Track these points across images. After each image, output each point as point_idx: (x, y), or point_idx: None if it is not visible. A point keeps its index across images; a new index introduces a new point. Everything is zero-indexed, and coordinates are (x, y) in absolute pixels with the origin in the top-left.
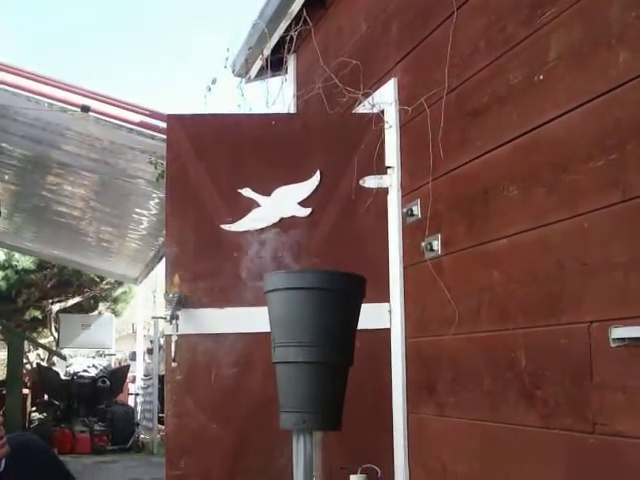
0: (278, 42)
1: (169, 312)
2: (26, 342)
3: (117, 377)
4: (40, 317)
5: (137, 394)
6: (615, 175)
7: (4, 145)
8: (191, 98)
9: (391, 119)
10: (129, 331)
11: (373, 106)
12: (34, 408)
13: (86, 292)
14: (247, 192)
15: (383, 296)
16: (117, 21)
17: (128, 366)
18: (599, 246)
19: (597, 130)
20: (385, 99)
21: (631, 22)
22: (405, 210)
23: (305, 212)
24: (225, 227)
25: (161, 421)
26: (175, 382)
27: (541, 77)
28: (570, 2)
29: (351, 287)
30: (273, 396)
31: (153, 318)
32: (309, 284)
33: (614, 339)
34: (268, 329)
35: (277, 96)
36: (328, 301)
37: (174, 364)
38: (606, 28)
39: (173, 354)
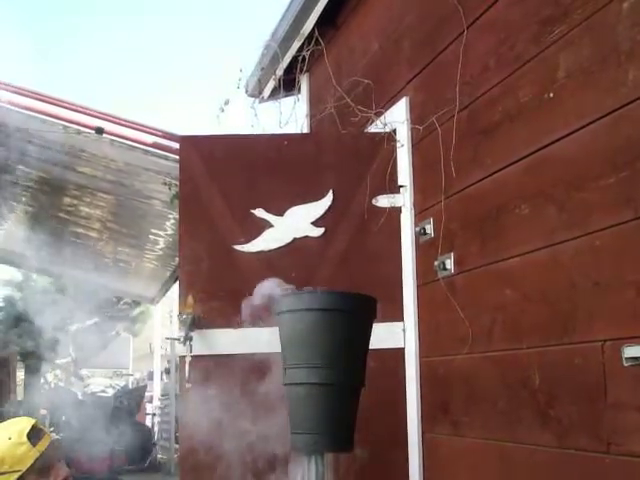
0: (290, 62)
1: (183, 333)
2: (43, 363)
3: (134, 397)
4: (58, 338)
5: (154, 414)
6: (626, 193)
7: (20, 167)
8: (205, 115)
9: (403, 138)
10: (147, 350)
11: (385, 125)
12: (52, 429)
13: (104, 312)
14: (260, 212)
15: (397, 315)
16: (130, 42)
17: (145, 386)
18: (611, 264)
19: (607, 148)
20: (397, 118)
21: None
22: (418, 229)
23: (318, 232)
24: (238, 247)
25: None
26: (189, 403)
27: (551, 95)
28: (578, 20)
29: (362, 308)
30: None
31: (167, 339)
32: (319, 305)
33: (627, 358)
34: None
35: (290, 116)
36: (338, 322)
37: (188, 385)
38: (615, 45)
39: (187, 375)
